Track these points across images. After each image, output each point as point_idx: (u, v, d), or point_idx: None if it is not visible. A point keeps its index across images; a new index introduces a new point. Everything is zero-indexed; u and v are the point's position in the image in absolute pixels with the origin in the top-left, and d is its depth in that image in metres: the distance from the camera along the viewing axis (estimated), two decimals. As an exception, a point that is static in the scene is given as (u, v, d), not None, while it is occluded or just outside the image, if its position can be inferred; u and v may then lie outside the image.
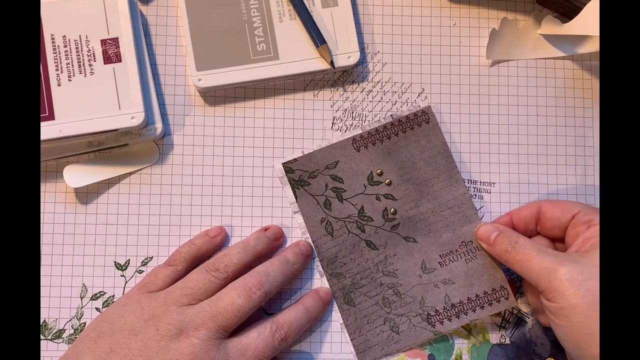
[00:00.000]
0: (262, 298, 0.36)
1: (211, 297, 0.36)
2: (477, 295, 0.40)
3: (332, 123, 0.42)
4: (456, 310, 0.40)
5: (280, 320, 0.37)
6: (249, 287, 0.36)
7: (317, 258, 0.40)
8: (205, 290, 0.36)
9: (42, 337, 0.39)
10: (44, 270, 0.40)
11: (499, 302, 0.40)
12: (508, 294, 0.40)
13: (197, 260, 0.39)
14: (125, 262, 0.40)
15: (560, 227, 0.37)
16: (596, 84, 0.43)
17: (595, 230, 0.35)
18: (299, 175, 0.41)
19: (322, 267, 0.40)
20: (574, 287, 0.32)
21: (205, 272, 0.37)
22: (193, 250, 0.39)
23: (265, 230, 0.40)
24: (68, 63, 0.38)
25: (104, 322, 0.36)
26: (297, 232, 0.41)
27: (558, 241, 0.39)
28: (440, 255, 0.40)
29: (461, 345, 0.40)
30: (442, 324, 0.40)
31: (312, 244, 0.40)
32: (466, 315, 0.40)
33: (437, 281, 0.40)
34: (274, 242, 0.40)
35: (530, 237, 0.39)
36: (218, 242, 0.39)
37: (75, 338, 0.39)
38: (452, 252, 0.40)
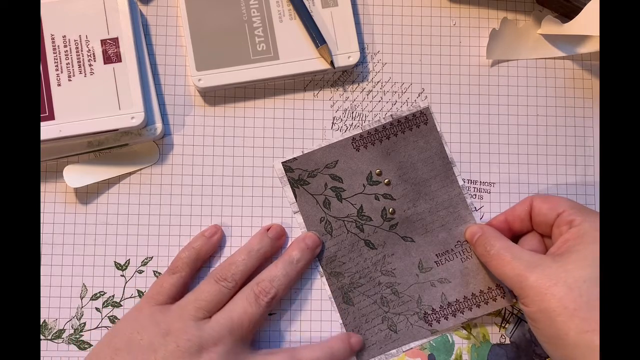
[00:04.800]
0: (271, 303, 0.37)
1: (224, 308, 0.36)
2: (472, 294, 0.40)
3: (332, 123, 0.42)
4: (452, 308, 0.40)
5: (303, 358, 0.37)
6: (257, 295, 0.36)
7: (316, 257, 0.40)
8: (218, 300, 0.36)
9: (42, 337, 0.39)
10: (44, 270, 0.40)
11: (494, 301, 0.40)
12: (504, 293, 0.40)
13: (199, 263, 0.39)
14: (125, 262, 0.40)
15: (547, 225, 0.37)
16: (596, 84, 0.43)
17: (574, 232, 0.35)
18: (299, 174, 0.41)
19: (321, 267, 0.40)
20: (541, 293, 0.33)
21: (214, 282, 0.37)
22: (193, 254, 0.39)
23: (267, 230, 0.40)
24: (68, 63, 0.38)
25: (118, 337, 0.36)
26: (297, 232, 0.41)
27: (549, 237, 0.39)
28: (436, 255, 0.41)
29: (461, 345, 0.40)
30: (439, 323, 0.40)
31: (317, 233, 0.40)
32: (462, 313, 0.40)
33: (433, 280, 0.40)
34: (277, 242, 0.40)
35: (526, 233, 0.39)
36: (216, 241, 0.39)
37: (76, 338, 0.39)
38: (448, 251, 0.41)
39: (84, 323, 0.40)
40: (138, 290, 0.40)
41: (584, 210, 0.36)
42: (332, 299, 0.40)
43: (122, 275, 0.40)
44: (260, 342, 0.39)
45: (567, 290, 0.32)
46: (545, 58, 0.43)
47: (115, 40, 0.39)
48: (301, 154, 0.41)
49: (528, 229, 0.39)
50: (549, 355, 0.35)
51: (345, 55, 0.41)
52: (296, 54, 0.40)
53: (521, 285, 0.34)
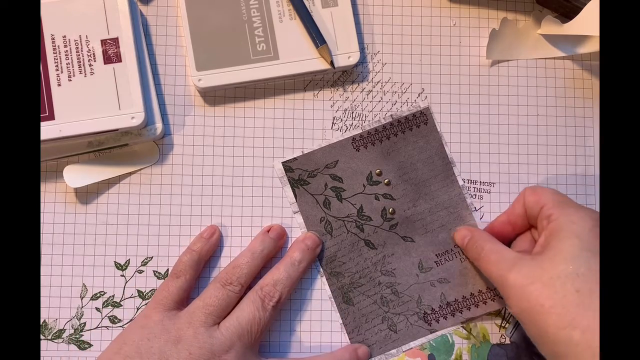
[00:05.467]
0: (277, 307, 0.37)
1: (231, 315, 0.36)
2: (471, 293, 0.40)
3: (332, 123, 0.42)
4: (451, 308, 0.40)
5: None
6: (262, 299, 0.37)
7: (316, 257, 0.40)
8: (226, 305, 0.37)
9: (42, 337, 0.39)
10: (44, 270, 0.40)
11: (493, 301, 0.40)
12: None
13: (201, 264, 0.39)
14: (125, 262, 0.40)
15: (533, 218, 0.37)
16: (596, 84, 0.43)
17: (551, 227, 0.35)
18: (299, 174, 0.41)
19: (321, 267, 0.40)
20: (518, 293, 0.33)
21: (220, 287, 0.37)
22: (195, 256, 0.39)
23: (268, 231, 0.40)
24: (68, 63, 0.38)
25: (127, 345, 0.35)
26: (297, 232, 0.41)
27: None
28: (436, 255, 0.41)
29: (461, 345, 0.40)
30: (438, 322, 0.40)
31: (317, 234, 0.40)
32: (461, 313, 0.40)
33: (433, 280, 0.40)
34: (278, 242, 0.40)
35: (528, 230, 0.39)
36: (215, 241, 0.40)
37: (76, 338, 0.39)
38: (448, 251, 0.41)
39: (84, 323, 0.40)
40: (138, 290, 0.40)
41: (563, 203, 0.35)
42: (332, 299, 0.40)
43: (122, 275, 0.40)
44: (260, 342, 0.39)
45: (542, 288, 0.32)
46: (545, 58, 0.43)
47: (115, 40, 0.39)
48: (301, 154, 0.41)
49: (529, 226, 0.39)
50: (540, 352, 0.35)
51: (345, 55, 0.41)
52: (296, 54, 0.40)
53: (502, 285, 0.34)
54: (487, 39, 0.42)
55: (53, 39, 0.38)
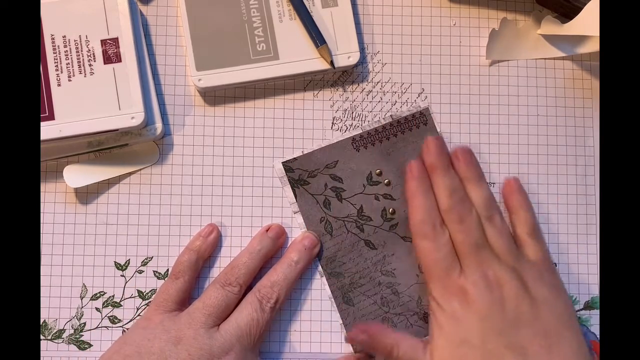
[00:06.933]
0: (275, 308, 0.37)
1: (230, 317, 0.37)
2: None
3: (332, 123, 0.42)
4: None
5: None
6: (260, 301, 0.37)
7: (316, 257, 0.40)
8: (225, 306, 0.37)
9: (42, 337, 0.39)
10: (44, 270, 0.40)
11: None
12: None
13: (200, 264, 0.39)
14: (125, 262, 0.40)
15: None
16: (596, 84, 0.43)
17: None
18: (299, 174, 0.41)
19: (321, 267, 0.40)
20: None
21: (220, 288, 0.37)
22: (194, 257, 0.39)
23: (267, 230, 0.40)
24: (68, 63, 0.38)
25: (128, 345, 0.36)
26: (297, 232, 0.41)
27: None
28: (437, 255, 0.41)
29: (461, 345, 0.40)
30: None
31: (315, 234, 0.40)
32: None
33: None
34: (277, 241, 0.40)
35: None
36: (213, 240, 0.40)
37: (76, 338, 0.39)
38: (448, 251, 0.41)
39: (84, 323, 0.40)
40: (138, 290, 0.40)
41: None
42: (332, 299, 0.40)
43: (122, 275, 0.40)
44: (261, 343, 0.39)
45: None
46: (545, 58, 0.43)
47: (115, 40, 0.39)
48: (301, 154, 0.41)
49: None
50: None
51: (345, 55, 0.41)
52: (296, 54, 0.40)
53: None
54: (487, 39, 0.42)
55: (53, 39, 0.38)
